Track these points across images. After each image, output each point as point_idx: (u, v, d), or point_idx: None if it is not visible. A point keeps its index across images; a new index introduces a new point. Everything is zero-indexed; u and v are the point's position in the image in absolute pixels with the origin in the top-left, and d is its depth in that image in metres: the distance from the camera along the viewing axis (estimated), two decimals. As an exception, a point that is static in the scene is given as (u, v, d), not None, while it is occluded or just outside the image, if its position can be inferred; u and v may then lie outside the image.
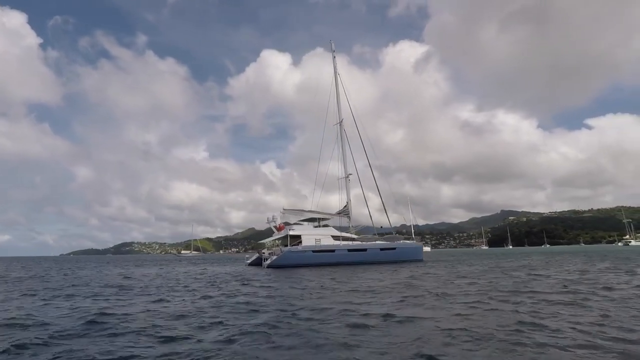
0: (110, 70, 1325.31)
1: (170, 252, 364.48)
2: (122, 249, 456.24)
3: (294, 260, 31.86)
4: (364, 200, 39.13)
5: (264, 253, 37.40)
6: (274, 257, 32.51)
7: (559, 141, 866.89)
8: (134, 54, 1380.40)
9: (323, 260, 32.36)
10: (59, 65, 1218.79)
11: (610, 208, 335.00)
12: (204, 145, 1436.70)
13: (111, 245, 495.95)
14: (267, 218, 37.56)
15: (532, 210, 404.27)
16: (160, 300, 10.84)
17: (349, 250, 33.82)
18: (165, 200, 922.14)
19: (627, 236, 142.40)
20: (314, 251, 32.79)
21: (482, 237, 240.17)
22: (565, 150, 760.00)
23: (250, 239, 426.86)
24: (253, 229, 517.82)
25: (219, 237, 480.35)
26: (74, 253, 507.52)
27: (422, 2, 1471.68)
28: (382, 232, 40.72)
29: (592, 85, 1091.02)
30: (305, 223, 37.01)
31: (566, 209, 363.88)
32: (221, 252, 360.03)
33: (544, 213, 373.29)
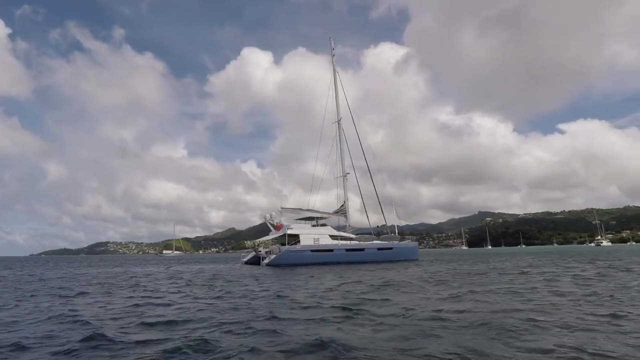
0: (85, 63, 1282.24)
1: (148, 252, 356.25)
2: (97, 249, 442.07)
3: (293, 260, 31.67)
4: (362, 200, 39.21)
5: (260, 252, 37.06)
6: (273, 256, 32.28)
7: (533, 145, 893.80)
8: (110, 48, 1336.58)
9: (321, 259, 32.25)
10: (28, 57, 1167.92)
11: (581, 210, 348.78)
12: (183, 143, 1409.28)
13: (85, 245, 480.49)
14: (265, 216, 37.22)
15: (507, 212, 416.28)
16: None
17: (347, 249, 33.83)
18: (142, 199, 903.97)
19: (599, 237, 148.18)
20: (312, 250, 32.66)
21: (461, 238, 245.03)
22: (539, 154, 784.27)
23: (231, 239, 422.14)
24: (233, 229, 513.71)
25: (198, 237, 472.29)
26: (46, 253, 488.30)
27: (403, 4, 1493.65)
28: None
29: (565, 91, 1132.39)
30: (302, 222, 36.86)
31: (540, 211, 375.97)
32: (200, 252, 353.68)
33: (519, 214, 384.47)
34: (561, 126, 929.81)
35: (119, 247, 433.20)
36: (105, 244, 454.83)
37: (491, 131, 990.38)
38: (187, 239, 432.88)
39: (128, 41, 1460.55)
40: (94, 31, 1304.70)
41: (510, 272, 18.59)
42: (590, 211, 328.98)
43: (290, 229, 34.10)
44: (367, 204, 39.45)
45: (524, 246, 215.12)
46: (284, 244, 33.47)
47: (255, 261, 35.84)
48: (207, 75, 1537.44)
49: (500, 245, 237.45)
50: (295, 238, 33.53)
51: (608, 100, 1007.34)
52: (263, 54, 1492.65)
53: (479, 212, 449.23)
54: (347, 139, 39.37)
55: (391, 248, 35.55)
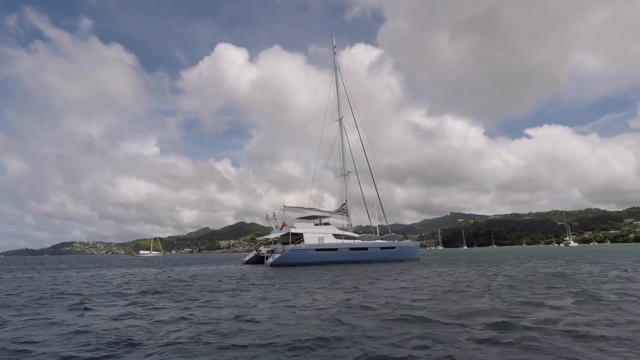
0: (47, 54, 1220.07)
1: (118, 253, 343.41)
2: (61, 249, 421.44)
3: (297, 259, 31.28)
4: (364, 199, 39.18)
5: (260, 251, 36.42)
6: (277, 256, 31.71)
7: (502, 148, 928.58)
8: (74, 38, 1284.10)
9: (326, 259, 32.06)
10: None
11: (547, 212, 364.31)
12: (154, 140, 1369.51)
13: (49, 245, 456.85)
14: (267, 215, 36.53)
15: (478, 213, 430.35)
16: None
17: (351, 249, 33.79)
18: (110, 198, 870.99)
19: (567, 238, 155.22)
20: (317, 250, 32.40)
21: (434, 238, 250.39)
22: (507, 157, 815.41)
23: (205, 239, 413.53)
24: (207, 228, 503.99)
25: (171, 236, 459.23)
26: (5, 254, 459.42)
27: (377, 6, 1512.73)
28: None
29: (533, 97, 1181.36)
30: (304, 221, 36.51)
31: (508, 212, 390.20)
32: (173, 252, 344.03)
33: (489, 216, 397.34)
34: (528, 131, 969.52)
35: (85, 247, 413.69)
36: (71, 244, 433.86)
37: (463, 134, 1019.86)
38: (159, 239, 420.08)
39: (96, 33, 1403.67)
40: (55, 19, 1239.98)
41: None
42: (555, 213, 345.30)
43: (294, 227, 33.68)
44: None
45: (495, 246, 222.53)
46: (285, 243, 33.04)
47: (256, 261, 35.22)
48: (179, 70, 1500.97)
49: (472, 246, 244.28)
50: (298, 237, 33.17)
51: (572, 107, 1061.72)
52: (238, 50, 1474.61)
53: (451, 213, 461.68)
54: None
55: (394, 247, 35.79)
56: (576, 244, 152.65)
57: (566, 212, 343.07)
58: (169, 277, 20.09)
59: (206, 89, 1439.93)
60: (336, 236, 34.43)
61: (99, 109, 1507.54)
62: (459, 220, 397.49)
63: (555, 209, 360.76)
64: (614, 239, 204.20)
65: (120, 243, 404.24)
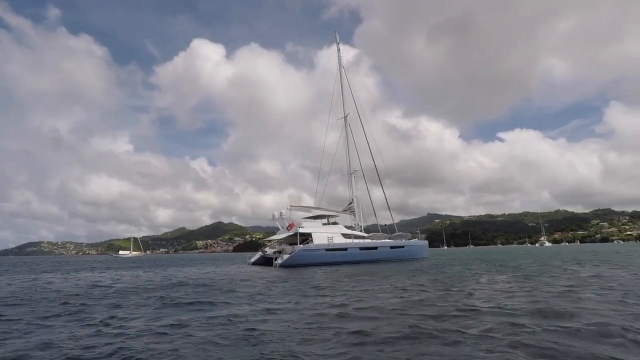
0: (9, 43, 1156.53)
1: (89, 253, 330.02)
2: (27, 250, 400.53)
3: (307, 260, 30.51)
4: (369, 198, 38.79)
5: (266, 252, 35.42)
6: (286, 256, 30.76)
7: (476, 150, 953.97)
8: (39, 27, 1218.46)
9: (336, 259, 31.44)
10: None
11: (519, 213, 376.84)
12: (127, 137, 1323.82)
13: (13, 246, 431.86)
14: (273, 215, 35.45)
15: (453, 214, 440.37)
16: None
17: (361, 248, 33.32)
18: (80, 196, 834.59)
19: (543, 238, 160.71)
20: (327, 250, 31.73)
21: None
22: (481, 160, 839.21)
23: (181, 239, 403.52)
24: (184, 228, 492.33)
25: (146, 236, 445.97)
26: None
27: (355, 6, 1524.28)
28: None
29: (505, 101, 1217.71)
30: (311, 220, 35.74)
31: (482, 213, 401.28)
32: (148, 252, 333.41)
33: (464, 216, 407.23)
34: (501, 134, 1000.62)
35: (54, 247, 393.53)
36: (38, 244, 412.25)
37: (438, 136, 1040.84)
38: (135, 239, 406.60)
39: (64, 23, 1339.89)
40: (17, 7, 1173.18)
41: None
42: (526, 214, 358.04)
43: (302, 227, 32.85)
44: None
45: (472, 246, 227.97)
46: (292, 244, 32.20)
47: (263, 262, 34.10)
48: (153, 65, 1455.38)
49: (450, 246, 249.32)
50: (306, 237, 32.42)
51: (543, 112, 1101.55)
52: (215, 46, 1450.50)
53: (428, 214, 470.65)
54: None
55: (403, 246, 35.53)
56: (550, 244, 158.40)
57: (537, 213, 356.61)
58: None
59: (181, 85, 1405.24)
60: (345, 236, 33.86)
61: (67, 103, 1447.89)
62: (435, 220, 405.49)
63: (526, 210, 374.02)
64: (582, 240, 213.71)
65: (92, 243, 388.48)
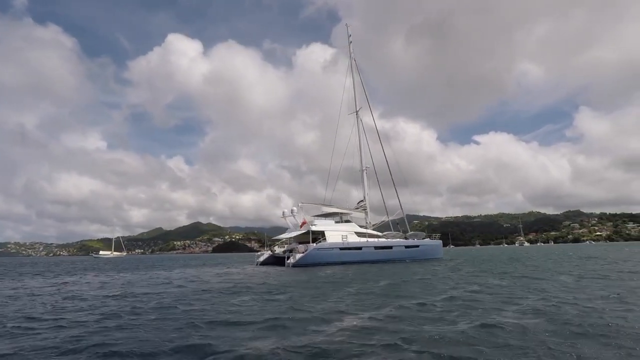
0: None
1: (60, 254, 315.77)
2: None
3: (321, 259, 29.32)
4: (382, 195, 38.03)
5: (275, 251, 34.17)
6: (299, 255, 29.51)
7: (453, 153, 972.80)
8: (5, 17, 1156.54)
9: (350, 258, 30.36)
10: None
11: (494, 214, 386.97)
12: (98, 134, 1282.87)
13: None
14: (284, 212, 34.19)
15: (431, 215, 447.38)
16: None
17: (376, 247, 32.44)
18: (48, 195, 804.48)
19: (522, 238, 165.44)
20: (341, 248, 30.73)
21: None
22: (458, 162, 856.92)
23: (158, 240, 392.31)
24: (160, 228, 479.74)
25: (120, 237, 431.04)
26: None
27: (332, 6, 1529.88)
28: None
29: (482, 104, 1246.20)
30: (322, 218, 34.68)
31: (459, 214, 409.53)
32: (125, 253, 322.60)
33: (442, 217, 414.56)
34: (476, 137, 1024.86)
35: (22, 248, 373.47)
36: (4, 244, 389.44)
37: (416, 137, 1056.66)
38: (106, 239, 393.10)
39: (31, 13, 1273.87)
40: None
41: None
42: (501, 215, 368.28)
43: (314, 225, 31.70)
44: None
45: (452, 247, 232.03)
46: (302, 242, 31.10)
47: (272, 262, 32.77)
48: (126, 60, 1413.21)
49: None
50: (318, 235, 31.36)
51: (517, 116, 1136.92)
52: (191, 42, 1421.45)
53: (407, 214, 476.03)
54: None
55: (418, 246, 34.91)
56: (528, 244, 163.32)
57: (511, 214, 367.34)
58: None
59: (156, 81, 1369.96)
60: (359, 234, 32.86)
61: (33, 97, 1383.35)
62: (414, 221, 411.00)
63: (501, 212, 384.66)
64: (555, 240, 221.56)
65: (63, 244, 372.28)
